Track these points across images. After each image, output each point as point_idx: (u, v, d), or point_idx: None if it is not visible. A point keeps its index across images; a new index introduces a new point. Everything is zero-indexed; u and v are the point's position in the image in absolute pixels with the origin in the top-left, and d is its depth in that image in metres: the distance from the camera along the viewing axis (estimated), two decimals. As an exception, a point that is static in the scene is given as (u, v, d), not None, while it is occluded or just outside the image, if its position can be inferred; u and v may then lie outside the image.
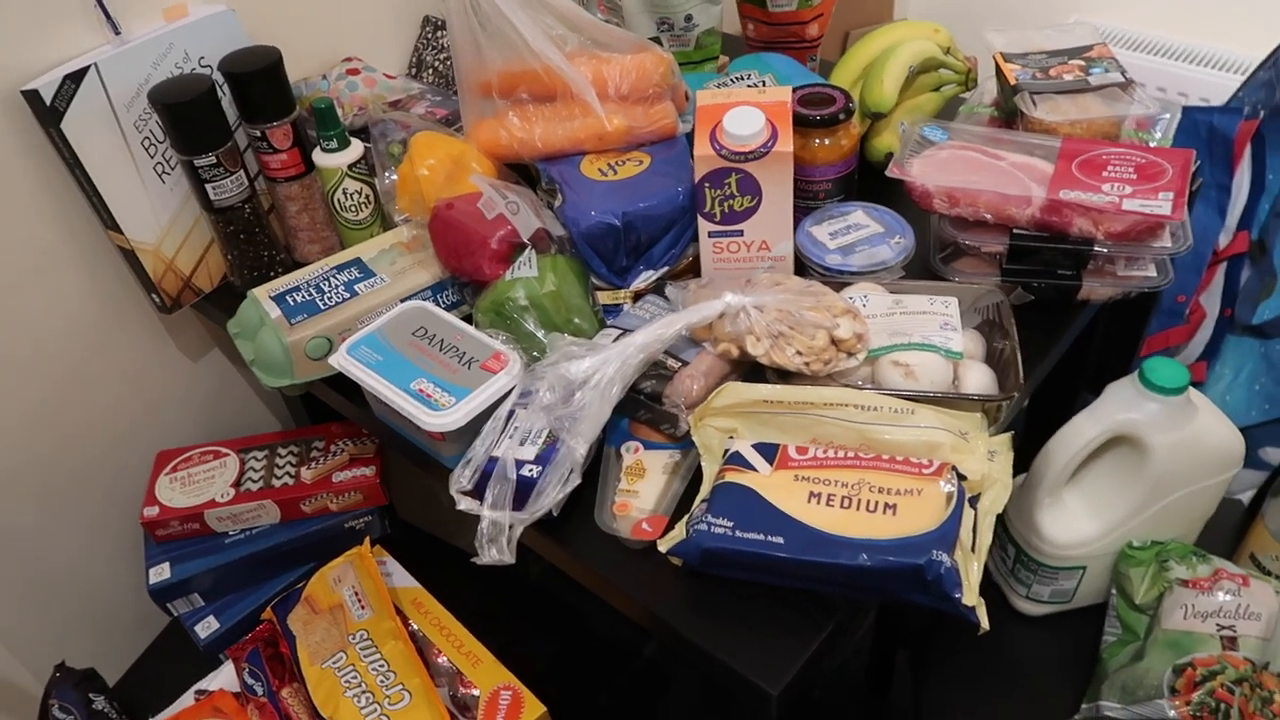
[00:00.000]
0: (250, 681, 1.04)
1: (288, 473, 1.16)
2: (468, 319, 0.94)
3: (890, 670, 1.30)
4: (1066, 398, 1.33)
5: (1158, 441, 0.95)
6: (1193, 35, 1.87)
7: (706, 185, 0.87)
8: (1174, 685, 0.89)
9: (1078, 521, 1.03)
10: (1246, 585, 0.94)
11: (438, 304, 1.00)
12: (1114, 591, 1.05)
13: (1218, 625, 0.92)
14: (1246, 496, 1.27)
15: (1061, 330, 0.97)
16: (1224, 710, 0.87)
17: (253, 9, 1.08)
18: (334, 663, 1.02)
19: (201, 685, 1.08)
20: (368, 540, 1.13)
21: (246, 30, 1.06)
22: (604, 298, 0.96)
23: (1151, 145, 1.05)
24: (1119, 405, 0.96)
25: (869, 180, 1.07)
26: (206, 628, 1.13)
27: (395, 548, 1.17)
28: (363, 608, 1.07)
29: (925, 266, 0.97)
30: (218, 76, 1.03)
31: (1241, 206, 1.48)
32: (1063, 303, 0.98)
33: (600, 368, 0.80)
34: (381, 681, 0.99)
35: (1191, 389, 0.94)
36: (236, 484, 1.15)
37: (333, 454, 1.18)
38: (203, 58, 1.04)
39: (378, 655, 1.01)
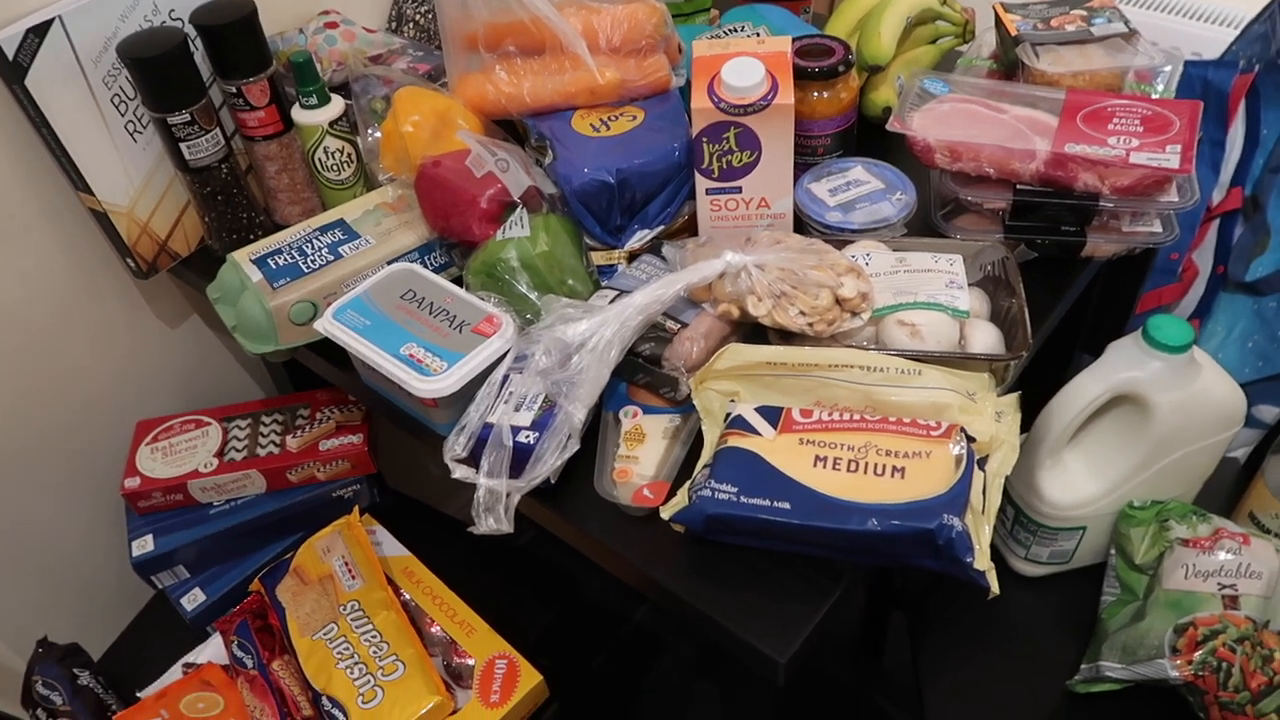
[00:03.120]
0: (239, 654, 1.02)
1: (273, 441, 1.13)
2: (457, 281, 0.91)
3: (883, 633, 1.29)
4: (1062, 357, 1.32)
5: (1160, 400, 0.93)
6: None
7: (704, 140, 0.84)
8: (1175, 645, 0.89)
9: (1078, 482, 1.02)
10: (1247, 544, 0.93)
11: (425, 266, 0.97)
12: (1113, 551, 1.04)
13: (1219, 584, 0.92)
14: (1241, 454, 1.27)
15: (1065, 287, 0.96)
16: (1225, 669, 0.86)
17: (225, -41, 1.03)
18: (325, 634, 1.00)
19: (189, 658, 1.06)
20: (356, 509, 1.11)
21: (218, -18, 1.01)
22: (598, 258, 0.93)
23: (1154, 97, 1.03)
24: (1122, 364, 0.94)
25: (867, 135, 1.04)
26: (193, 600, 1.10)
27: (384, 516, 1.15)
28: (353, 578, 1.05)
29: (927, 223, 0.95)
30: (190, 30, 0.98)
31: (1235, 162, 1.47)
32: (1066, 259, 0.96)
33: (598, 330, 0.77)
34: (374, 652, 0.97)
35: (1195, 347, 0.93)
36: (220, 454, 1.12)
37: (318, 422, 1.15)
38: (173, 10, 0.99)
39: (370, 626, 0.99)
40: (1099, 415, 0.98)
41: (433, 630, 1.01)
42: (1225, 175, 1.47)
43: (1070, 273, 0.96)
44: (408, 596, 1.06)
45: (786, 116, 0.83)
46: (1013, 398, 0.78)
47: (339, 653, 0.98)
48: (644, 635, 1.44)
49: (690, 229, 0.95)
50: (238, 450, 1.13)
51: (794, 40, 0.96)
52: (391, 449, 1.23)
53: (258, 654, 1.01)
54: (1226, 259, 1.46)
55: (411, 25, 1.23)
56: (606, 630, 1.41)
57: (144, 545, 1.09)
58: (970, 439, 0.74)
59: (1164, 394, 0.93)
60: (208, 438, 1.14)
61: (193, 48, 0.98)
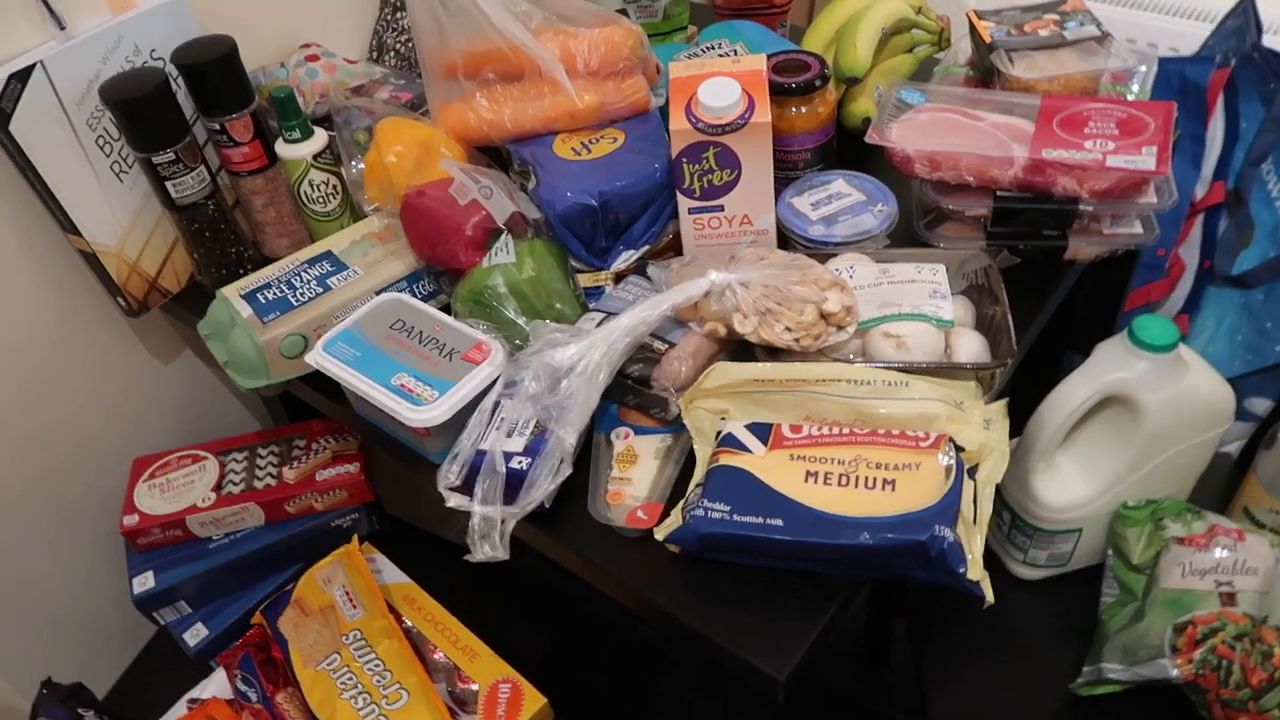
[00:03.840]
0: (243, 688, 1.02)
1: (270, 473, 1.14)
2: (446, 309, 0.91)
3: (888, 641, 1.29)
4: (1052, 358, 1.33)
5: (1149, 400, 0.94)
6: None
7: (684, 160, 0.85)
8: (1175, 644, 0.89)
9: (1072, 484, 1.02)
10: (1242, 540, 0.94)
11: (414, 295, 0.97)
12: (1110, 552, 1.04)
13: (1216, 582, 0.92)
14: (1234, 449, 1.27)
15: (1049, 291, 0.96)
16: (1226, 666, 0.87)
17: (204, -2, 1.04)
18: (328, 665, 1.00)
19: (194, 694, 1.06)
20: (355, 538, 1.11)
21: (198, 20, 1.02)
22: (584, 280, 0.94)
23: (1130, 98, 1.04)
24: (1109, 365, 0.95)
25: (847, 147, 1.05)
26: (195, 635, 1.10)
27: (384, 543, 1.16)
28: (354, 607, 1.05)
29: (909, 233, 0.96)
30: (172, 69, 0.99)
31: (1216, 157, 1.48)
32: (1049, 263, 0.97)
33: (586, 354, 0.78)
34: (378, 681, 0.97)
35: (1181, 345, 0.94)
36: (217, 487, 1.12)
37: (315, 452, 1.15)
38: (154, 50, 1.00)
39: (372, 655, 1.00)
40: (1090, 416, 0.98)
41: (436, 657, 1.02)
42: (1207, 170, 1.48)
43: (1054, 276, 0.97)
44: (410, 623, 1.06)
45: (764, 134, 0.83)
46: (1000, 405, 0.79)
47: (343, 683, 0.98)
48: (648, 652, 1.44)
49: (675, 248, 0.96)
50: (235, 483, 1.13)
51: (770, 57, 0.97)
52: (389, 476, 1.24)
53: (261, 687, 1.01)
54: (1213, 253, 1.47)
55: (392, 54, 1.24)
56: (611, 647, 1.41)
57: (145, 582, 1.09)
58: (959, 449, 0.74)
59: (1152, 393, 0.94)
60: (205, 472, 1.14)
61: (175, 86, 0.98)
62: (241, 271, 1.07)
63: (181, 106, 0.99)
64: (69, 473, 1.14)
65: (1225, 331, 1.47)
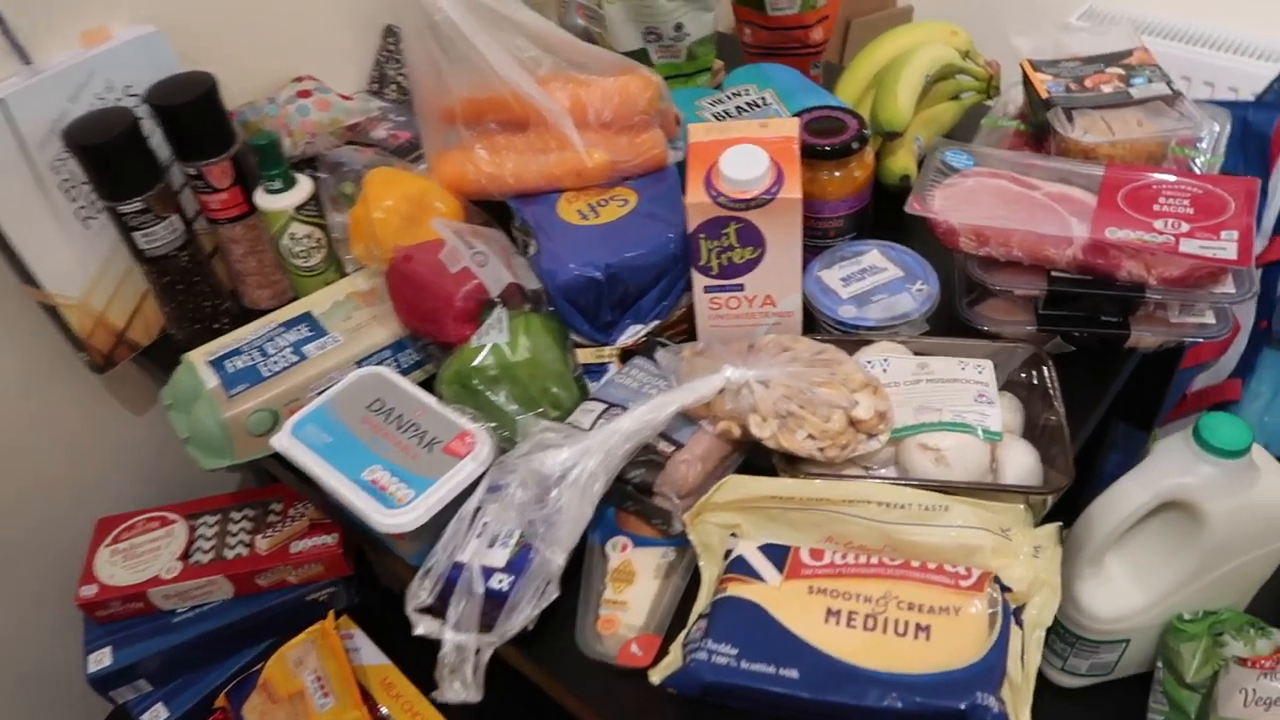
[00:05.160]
0: (202, 782, 0.94)
1: (242, 541, 1.05)
2: (433, 379, 0.82)
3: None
4: (1099, 427, 1.22)
5: (1215, 509, 0.83)
6: (1217, 19, 1.75)
7: (701, 236, 0.75)
8: (1239, 790, 0.79)
9: (1121, 592, 0.92)
10: (1317, 671, 0.83)
11: (399, 364, 0.89)
12: (1160, 664, 0.94)
13: (1287, 720, 0.81)
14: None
15: (1105, 384, 0.86)
16: (1298, 824, 0.76)
17: (186, 29, 0.95)
18: (293, 764, 0.91)
19: (149, 784, 0.98)
20: (331, 614, 1.02)
21: (179, 53, 0.94)
22: (587, 355, 0.85)
23: (1198, 163, 0.94)
24: (1171, 467, 0.84)
25: (882, 204, 0.95)
26: (154, 717, 1.02)
27: (369, 614, 1.07)
28: (325, 695, 0.96)
29: (948, 310, 0.86)
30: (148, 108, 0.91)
31: (1278, 209, 1.37)
32: (1106, 351, 0.87)
33: (580, 460, 0.69)
34: (346, 783, 0.89)
35: (1255, 446, 0.83)
36: (184, 555, 1.04)
37: (291, 519, 1.07)
38: (129, 86, 0.91)
39: (342, 754, 0.91)
40: (1145, 519, 0.88)
41: (410, 755, 0.93)
42: (1267, 222, 1.37)
43: (1111, 368, 0.87)
44: (385, 711, 0.98)
45: (794, 211, 0.74)
46: (1052, 529, 0.69)
47: (308, 785, 0.89)
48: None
49: (689, 320, 0.86)
50: (204, 552, 1.04)
51: (802, 114, 0.88)
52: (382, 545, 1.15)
53: (221, 783, 0.93)
54: (1270, 313, 1.36)
55: (394, 87, 1.15)
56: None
57: (101, 660, 1.00)
58: (1004, 588, 0.65)
59: (1218, 502, 0.83)
60: (172, 538, 1.06)
61: (151, 127, 0.90)
62: (216, 326, 0.98)
63: (155, 150, 0.90)
64: (32, 535, 1.06)
65: (1283, 401, 1.37)
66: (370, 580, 1.13)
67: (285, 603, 1.05)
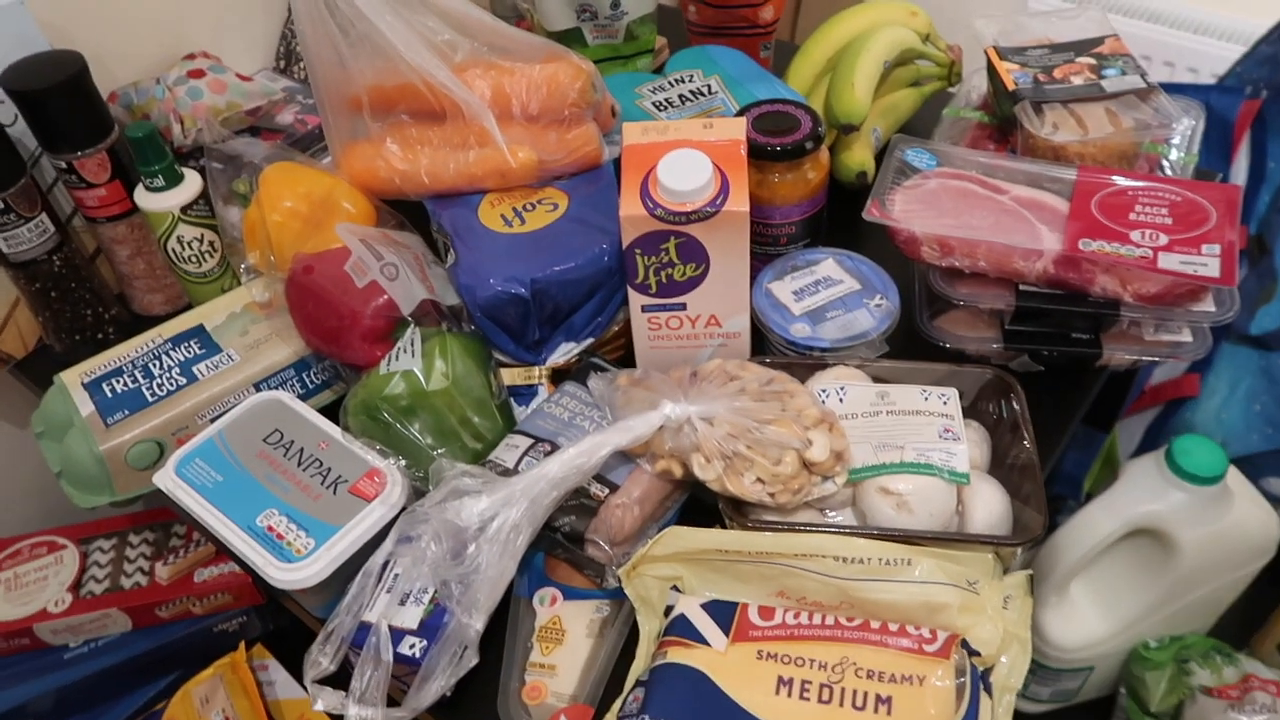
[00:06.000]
0: (93, 843, 0.85)
1: (140, 569, 0.96)
2: (341, 402, 0.73)
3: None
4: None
5: (1186, 536, 0.79)
6: (1179, -3, 1.69)
7: (637, 251, 0.67)
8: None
9: (1086, 620, 0.87)
10: (1284, 700, 0.79)
11: (303, 385, 0.79)
12: (1124, 691, 0.90)
13: (1255, 751, 0.78)
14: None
15: (1073, 407, 0.80)
16: None
17: (54, 0, 0.84)
18: (194, 820, 0.83)
19: (37, 841, 0.89)
20: (242, 646, 0.94)
21: (45, 26, 0.82)
22: (514, 376, 0.76)
23: (1170, 160, 0.88)
24: (1141, 494, 0.80)
25: (836, 203, 0.87)
26: (44, 765, 0.93)
27: (283, 641, 0.99)
28: (234, 739, 0.88)
29: (907, 324, 0.78)
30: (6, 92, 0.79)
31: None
32: (1075, 368, 0.81)
33: (501, 510, 0.60)
34: (253, 842, 0.81)
35: (1231, 469, 0.78)
36: (75, 586, 0.94)
37: (196, 543, 0.97)
38: (-15, 66, 0.80)
39: (249, 808, 0.83)
40: (1111, 545, 0.83)
41: (326, 807, 0.85)
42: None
43: (1081, 387, 0.81)
44: (302, 752, 0.90)
45: (740, 225, 0.66)
46: (1022, 578, 0.63)
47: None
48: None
49: (628, 335, 0.78)
50: (98, 581, 0.95)
51: (750, 108, 0.79)
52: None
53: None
54: (1229, 308, 1.32)
55: (302, 65, 1.04)
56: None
57: (-19, 704, 0.91)
58: (973, 653, 0.58)
59: (1190, 530, 0.79)
60: (61, 565, 0.96)
61: (11, 114, 0.79)
62: (101, 336, 0.88)
63: (18, 141, 0.79)
64: (-103, 563, 0.96)
65: (1241, 397, 1.32)
66: (277, 609, 1.04)
67: (190, 634, 0.96)
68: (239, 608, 0.97)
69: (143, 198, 0.81)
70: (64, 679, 0.93)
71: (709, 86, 0.90)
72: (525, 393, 0.76)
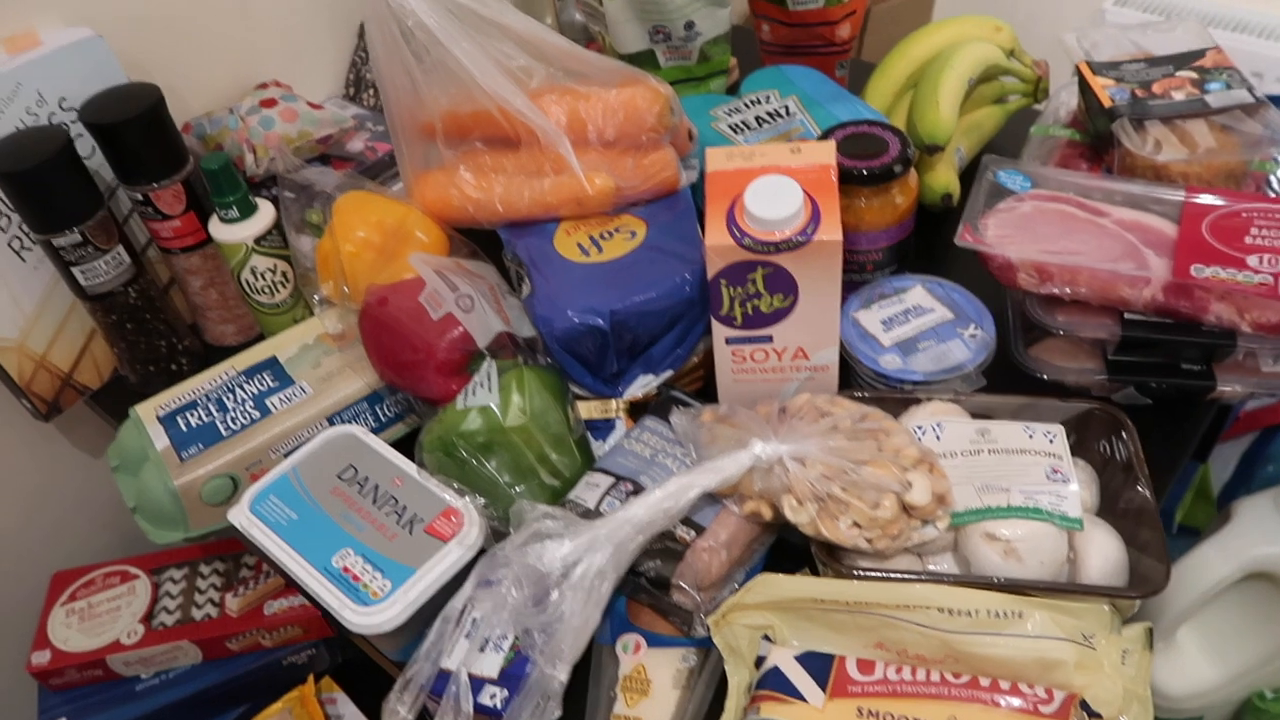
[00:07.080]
0: None
1: (211, 600, 0.95)
2: (415, 436, 0.71)
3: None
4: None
5: (1307, 581, 0.74)
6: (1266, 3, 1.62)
7: (723, 282, 0.64)
8: None
9: (1195, 668, 0.82)
10: None
11: (376, 419, 0.78)
12: (1235, 743, 0.84)
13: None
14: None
15: (1184, 440, 0.75)
16: None
17: (130, 31, 0.84)
18: None
19: None
20: (311, 679, 0.92)
21: (123, 59, 0.82)
22: (591, 410, 0.74)
23: (1275, 178, 0.83)
24: (1257, 535, 0.75)
25: (920, 227, 0.83)
26: (116, 797, 0.92)
27: (353, 674, 0.97)
28: (304, 775, 0.87)
29: (1002, 353, 0.75)
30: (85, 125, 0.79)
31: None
32: (1183, 401, 0.76)
33: (585, 555, 0.58)
34: None
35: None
36: (147, 617, 0.94)
37: (265, 574, 0.96)
38: (64, 99, 0.80)
39: None
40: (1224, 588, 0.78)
41: None
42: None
43: (1189, 420, 0.76)
44: (372, 790, 0.88)
45: (833, 255, 0.62)
46: (1140, 630, 0.58)
47: None
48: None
49: (707, 366, 0.75)
50: (169, 613, 0.94)
51: (834, 131, 0.76)
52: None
53: None
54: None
55: (372, 91, 1.03)
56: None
57: (55, 735, 0.91)
58: (1093, 714, 0.54)
59: (1312, 573, 0.73)
60: (134, 596, 0.96)
61: (90, 146, 0.79)
62: (174, 367, 0.88)
63: (95, 173, 0.79)
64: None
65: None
66: (346, 643, 1.03)
67: (259, 667, 0.95)
68: (308, 640, 0.96)
69: (217, 229, 0.81)
70: (136, 711, 0.92)
71: (786, 108, 0.87)
72: (602, 427, 0.73)
